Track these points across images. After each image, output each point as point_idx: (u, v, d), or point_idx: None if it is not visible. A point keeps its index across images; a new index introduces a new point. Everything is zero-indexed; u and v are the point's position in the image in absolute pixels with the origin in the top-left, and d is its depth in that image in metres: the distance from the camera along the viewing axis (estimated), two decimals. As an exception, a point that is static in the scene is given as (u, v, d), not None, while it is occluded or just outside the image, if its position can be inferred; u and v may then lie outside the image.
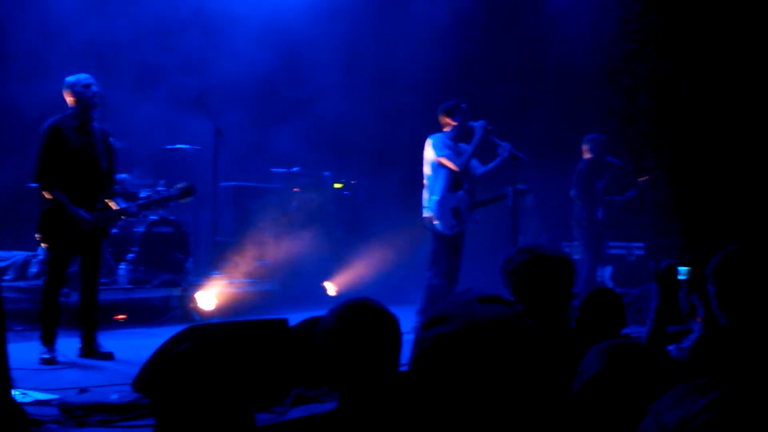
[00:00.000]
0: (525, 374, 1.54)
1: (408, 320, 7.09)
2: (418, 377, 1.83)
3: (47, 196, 5.94)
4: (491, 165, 7.37)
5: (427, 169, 7.30)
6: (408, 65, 10.52)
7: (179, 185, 6.71)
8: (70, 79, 6.12)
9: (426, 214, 7.29)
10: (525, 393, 1.47)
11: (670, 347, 3.61)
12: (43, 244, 6.05)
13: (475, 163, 7.41)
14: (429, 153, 7.27)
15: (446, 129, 7.34)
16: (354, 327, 2.29)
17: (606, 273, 9.73)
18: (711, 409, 1.18)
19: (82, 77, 6.10)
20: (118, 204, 6.28)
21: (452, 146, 7.27)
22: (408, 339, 2.19)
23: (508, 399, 1.50)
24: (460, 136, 7.34)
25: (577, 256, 8.79)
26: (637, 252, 10.17)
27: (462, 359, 1.70)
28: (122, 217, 6.37)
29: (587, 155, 9.01)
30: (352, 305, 2.34)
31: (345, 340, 2.28)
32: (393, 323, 2.34)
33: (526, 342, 1.70)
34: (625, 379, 1.54)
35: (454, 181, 7.25)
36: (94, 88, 6.09)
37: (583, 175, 8.92)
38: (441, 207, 7.19)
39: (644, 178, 9.38)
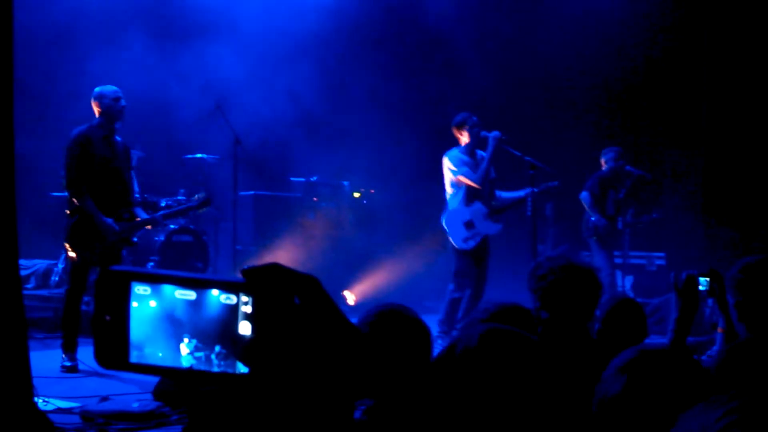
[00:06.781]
0: (530, 390, 1.49)
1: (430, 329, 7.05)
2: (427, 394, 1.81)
3: (77, 204, 6.00)
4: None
5: (447, 188, 7.26)
6: (430, 77, 10.52)
7: (197, 196, 7.14)
8: (99, 90, 6.18)
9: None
10: (532, 409, 1.43)
11: (692, 358, 3.57)
12: (71, 254, 6.11)
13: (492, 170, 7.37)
14: (447, 172, 7.22)
15: (460, 143, 7.29)
16: (386, 334, 2.27)
17: (627, 283, 9.65)
18: (730, 415, 1.18)
19: (111, 90, 6.17)
20: (139, 214, 6.35)
21: (468, 161, 7.22)
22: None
23: (510, 415, 1.46)
24: (475, 147, 7.27)
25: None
26: (657, 262, 10.09)
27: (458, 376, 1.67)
28: (146, 227, 6.45)
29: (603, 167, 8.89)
30: (384, 312, 2.32)
31: (377, 347, 2.26)
32: (424, 331, 2.33)
33: (529, 358, 1.67)
34: (651, 390, 1.50)
35: (470, 195, 7.21)
36: (123, 102, 6.18)
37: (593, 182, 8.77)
38: (450, 222, 7.18)
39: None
